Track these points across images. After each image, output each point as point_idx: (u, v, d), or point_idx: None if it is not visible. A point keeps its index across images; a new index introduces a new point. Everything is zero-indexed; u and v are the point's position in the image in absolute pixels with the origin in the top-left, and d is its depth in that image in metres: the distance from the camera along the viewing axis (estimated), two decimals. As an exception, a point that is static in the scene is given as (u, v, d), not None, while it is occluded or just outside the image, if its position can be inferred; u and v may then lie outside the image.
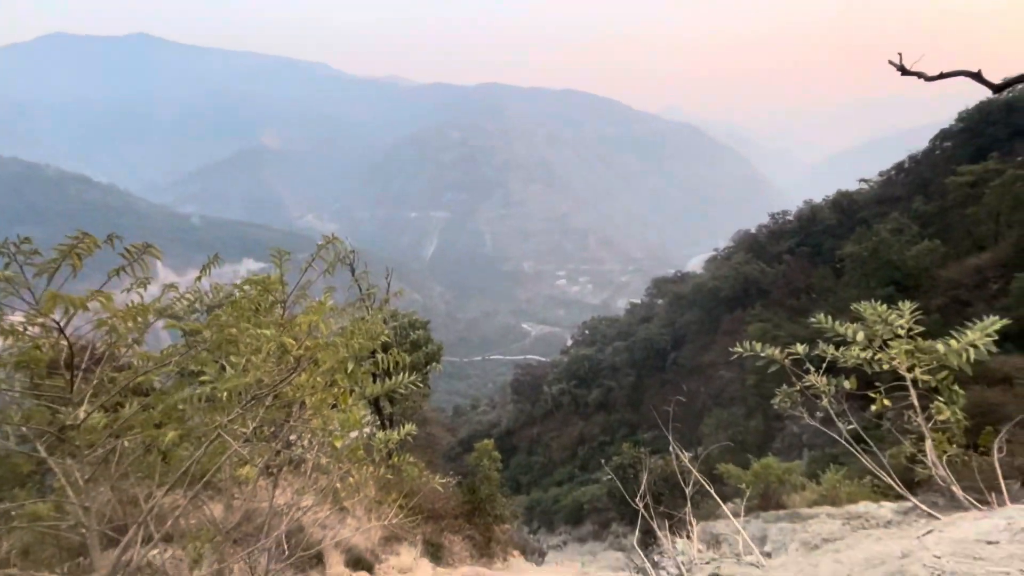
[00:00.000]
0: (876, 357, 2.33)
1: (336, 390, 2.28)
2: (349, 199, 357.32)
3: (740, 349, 2.63)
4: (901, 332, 2.33)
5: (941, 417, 2.19)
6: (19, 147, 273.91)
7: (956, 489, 2.33)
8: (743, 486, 8.76)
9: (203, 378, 2.28)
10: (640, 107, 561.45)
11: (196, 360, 2.17)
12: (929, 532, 1.45)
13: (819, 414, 2.56)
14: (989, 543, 1.34)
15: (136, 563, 2.11)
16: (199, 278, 2.56)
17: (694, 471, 2.42)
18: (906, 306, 2.42)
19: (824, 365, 2.56)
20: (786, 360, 2.53)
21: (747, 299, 54.39)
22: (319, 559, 6.80)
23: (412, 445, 20.29)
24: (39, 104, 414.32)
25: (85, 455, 1.78)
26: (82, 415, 1.74)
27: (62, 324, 1.68)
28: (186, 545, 2.61)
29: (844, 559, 1.44)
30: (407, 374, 2.69)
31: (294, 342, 2.10)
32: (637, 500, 3.33)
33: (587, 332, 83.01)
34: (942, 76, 7.15)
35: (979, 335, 2.20)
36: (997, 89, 7.14)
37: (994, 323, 2.22)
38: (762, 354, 2.52)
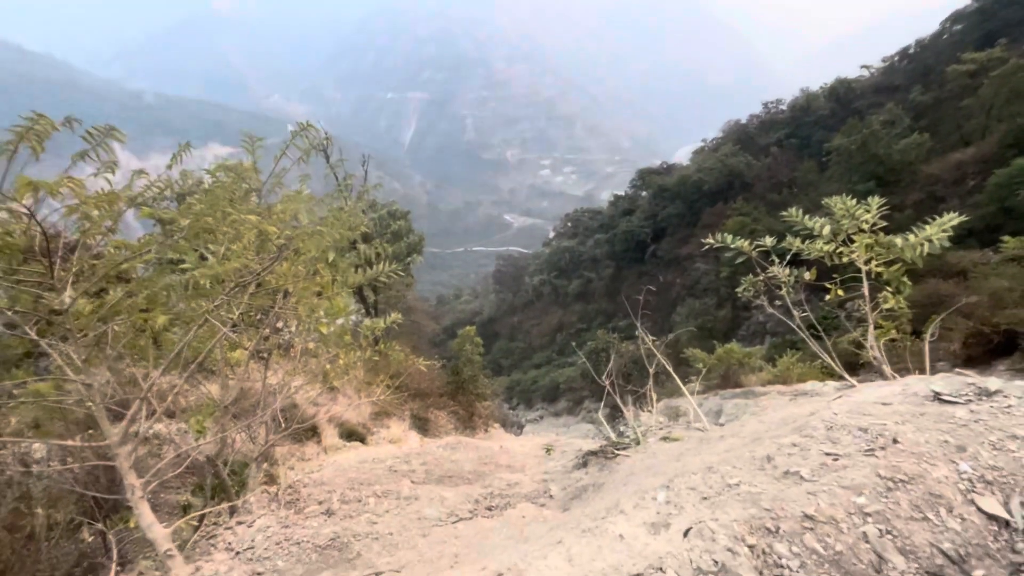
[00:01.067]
0: (837, 250, 2.44)
1: (319, 279, 2.33)
2: (318, 77, 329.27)
3: (711, 241, 2.72)
4: (865, 227, 2.43)
5: (887, 306, 2.37)
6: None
7: (886, 368, 2.60)
8: (700, 366, 9.54)
9: (184, 266, 2.30)
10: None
11: (175, 248, 2.16)
12: (839, 397, 1.75)
13: (778, 303, 2.74)
14: (883, 404, 1.64)
15: (143, 434, 2.31)
16: (170, 165, 2.45)
17: (656, 353, 2.63)
18: (874, 201, 2.49)
19: (788, 257, 2.68)
20: (754, 252, 2.64)
21: (730, 192, 54.28)
22: (314, 432, 7.42)
23: (397, 332, 21.18)
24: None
25: (78, 338, 1.84)
26: (68, 300, 1.77)
27: (31, 210, 1.63)
28: (188, 419, 2.82)
29: (765, 419, 1.74)
30: (388, 263, 2.74)
31: (275, 230, 2.09)
32: (606, 379, 3.64)
33: (570, 224, 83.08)
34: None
35: (935, 231, 2.31)
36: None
37: (951, 219, 2.32)
38: (732, 246, 2.61)
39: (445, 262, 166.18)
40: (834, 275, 2.53)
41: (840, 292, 2.52)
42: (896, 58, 57.20)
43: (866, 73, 59.11)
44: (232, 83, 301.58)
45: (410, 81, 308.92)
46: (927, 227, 2.34)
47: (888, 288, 2.38)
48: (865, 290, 2.41)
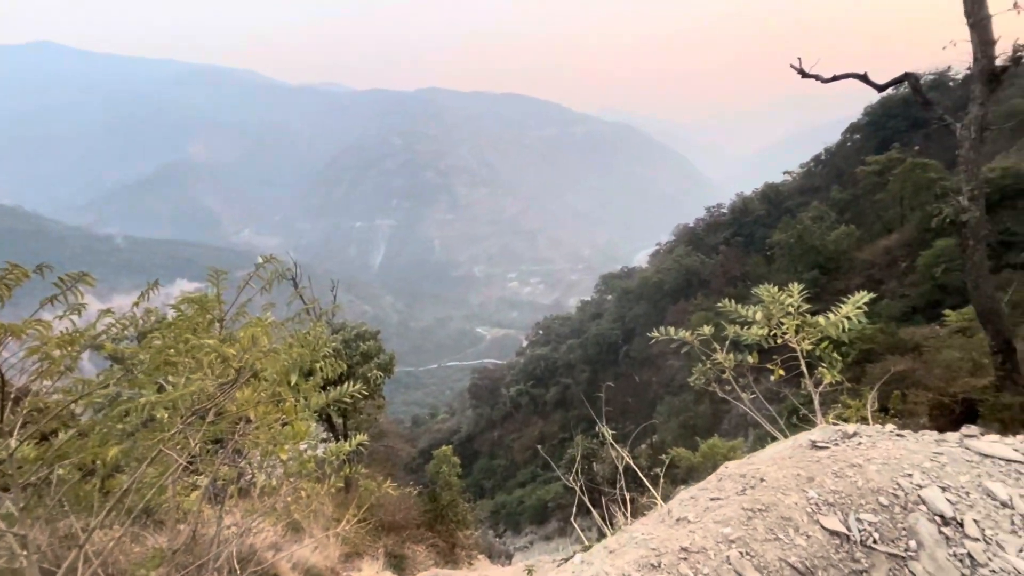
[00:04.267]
0: (772, 333, 2.65)
1: (283, 404, 2.32)
2: (289, 211, 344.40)
3: (656, 335, 2.90)
4: (791, 310, 2.66)
5: (827, 380, 2.52)
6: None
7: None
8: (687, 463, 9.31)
9: (142, 399, 2.27)
10: (579, 108, 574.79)
11: (133, 383, 2.15)
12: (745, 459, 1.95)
13: (751, 395, 2.86)
14: (771, 456, 1.93)
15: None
16: (136, 304, 2.52)
17: (626, 456, 2.67)
18: (794, 287, 2.76)
19: (727, 344, 2.87)
20: (696, 341, 2.82)
21: (690, 290, 56.90)
22: (276, 581, 6.64)
23: (370, 459, 19.92)
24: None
25: (19, 483, 1.74)
26: (13, 444, 1.71)
27: (-11, 355, 1.66)
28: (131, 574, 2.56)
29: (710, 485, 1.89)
30: (352, 383, 2.76)
31: (234, 352, 2.12)
32: (581, 488, 3.54)
33: (541, 332, 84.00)
34: (835, 78, 7.95)
35: (851, 308, 2.56)
36: (881, 88, 8.01)
37: (863, 297, 2.59)
38: (675, 338, 2.79)
39: (419, 380, 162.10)
40: (774, 356, 2.70)
41: (781, 372, 2.68)
42: (812, 164, 64.83)
43: (789, 178, 66.38)
44: (203, 221, 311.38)
45: (378, 210, 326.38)
46: (843, 306, 2.60)
47: (823, 364, 2.56)
48: (803, 367, 2.58)
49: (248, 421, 2.54)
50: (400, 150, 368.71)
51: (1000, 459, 1.80)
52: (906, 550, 1.49)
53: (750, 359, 2.81)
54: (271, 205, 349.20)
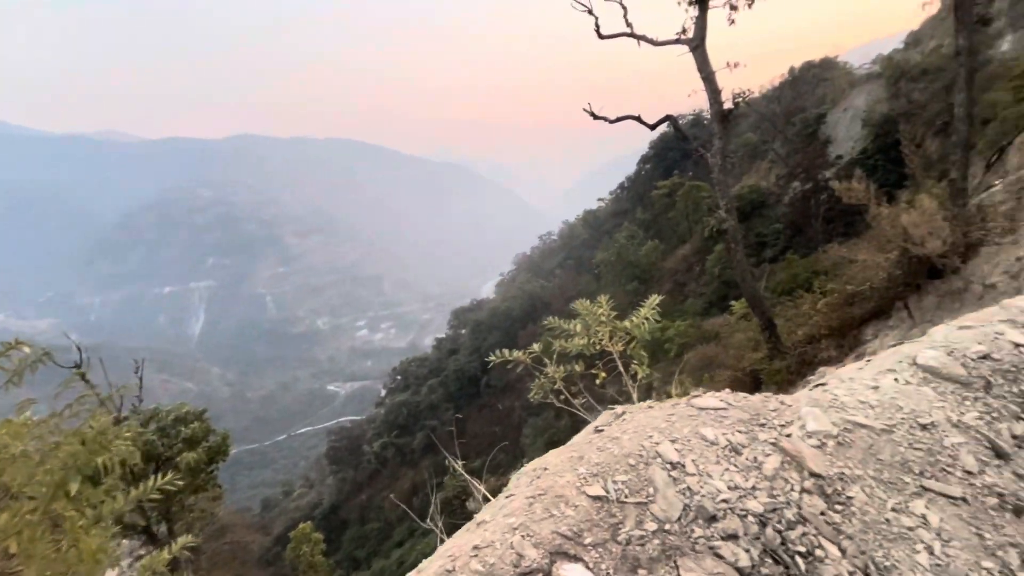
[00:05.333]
0: (591, 342, 3.00)
1: (67, 524, 1.83)
2: (64, 286, 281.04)
3: (493, 357, 3.07)
4: (604, 319, 3.06)
5: (641, 375, 2.94)
6: None
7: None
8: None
9: None
10: (409, 151, 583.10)
11: None
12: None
13: (583, 400, 3.15)
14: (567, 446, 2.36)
15: None
16: None
17: (474, 485, 2.73)
18: (603, 299, 3.18)
19: (554, 357, 3.17)
20: (528, 360, 3.06)
21: (535, 313, 60.52)
22: None
23: (212, 563, 16.75)
24: None
25: None
26: None
27: None
28: None
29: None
30: (161, 476, 2.33)
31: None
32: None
33: (399, 378, 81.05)
34: (619, 119, 9.47)
35: (646, 311, 3.06)
36: (652, 127, 9.76)
37: (654, 300, 3.11)
38: (509, 358, 2.99)
39: (266, 457, 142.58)
40: (596, 362, 3.06)
41: (603, 374, 3.03)
42: (618, 191, 75.04)
43: (603, 204, 75.88)
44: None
45: (192, 271, 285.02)
46: (640, 310, 3.08)
47: (634, 362, 2.98)
48: (620, 367, 2.95)
49: (10, 556, 1.97)
50: (211, 203, 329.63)
51: (711, 409, 2.33)
52: (647, 496, 1.83)
53: (577, 368, 3.11)
54: (36, 281, 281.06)
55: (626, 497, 1.80)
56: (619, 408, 2.41)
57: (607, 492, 1.81)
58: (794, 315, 9.58)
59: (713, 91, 7.55)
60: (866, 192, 6.92)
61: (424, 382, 69.85)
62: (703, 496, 1.82)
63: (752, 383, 8.59)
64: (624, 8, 8.09)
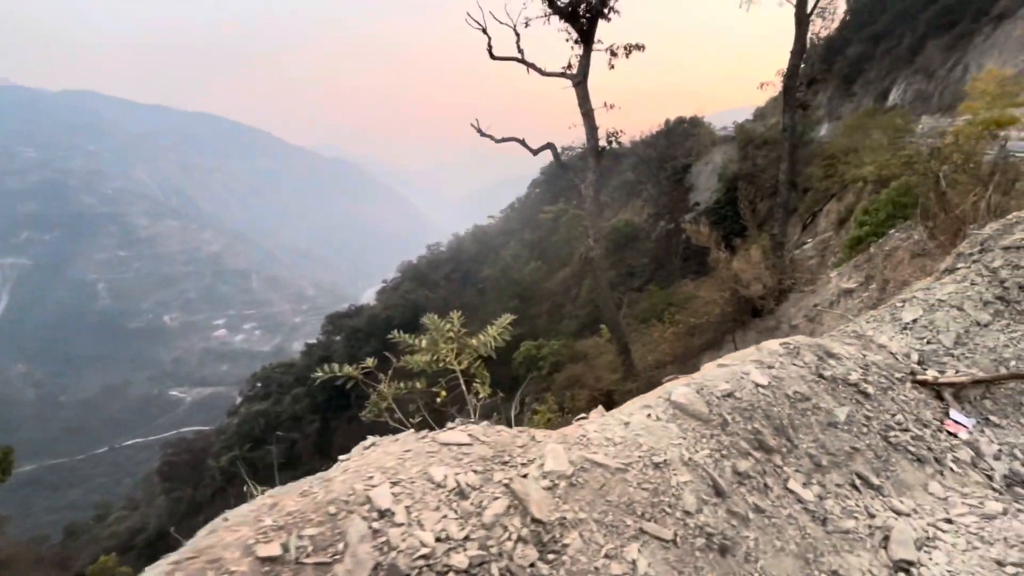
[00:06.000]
0: (434, 358, 2.93)
1: None
2: None
3: (320, 373, 2.85)
4: (452, 335, 3.01)
5: (482, 394, 2.92)
6: None
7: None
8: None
9: None
10: (294, 141, 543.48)
11: None
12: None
13: (418, 419, 3.01)
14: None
15: None
16: None
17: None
18: (455, 315, 3.13)
19: (391, 372, 3.04)
20: (359, 374, 2.88)
21: (416, 323, 59.22)
22: None
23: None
24: None
25: None
26: None
27: None
28: None
29: None
30: None
31: None
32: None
33: (259, 385, 73.91)
34: (504, 140, 9.72)
35: (496, 331, 3.07)
36: (534, 152, 10.18)
37: (506, 319, 3.15)
38: (339, 373, 2.79)
39: (76, 474, 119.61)
40: (439, 379, 2.98)
41: (444, 392, 2.97)
42: (509, 209, 77.32)
43: (492, 221, 77.58)
44: None
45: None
46: (490, 328, 3.08)
47: (477, 380, 2.96)
48: (463, 385, 2.90)
49: None
50: (35, 166, 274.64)
51: (454, 445, 2.16)
52: (334, 555, 1.59)
53: (418, 385, 3.01)
54: None
55: (308, 556, 1.55)
56: (371, 439, 2.18)
57: (286, 551, 1.55)
58: (648, 341, 10.52)
59: (590, 127, 8.12)
60: (709, 237, 7.89)
61: (289, 391, 64.41)
62: (401, 552, 1.62)
63: (607, 403, 9.22)
64: (517, 34, 8.40)
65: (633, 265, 37.50)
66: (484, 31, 8.20)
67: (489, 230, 75.69)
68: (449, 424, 2.29)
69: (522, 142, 8.72)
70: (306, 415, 59.52)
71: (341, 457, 2.03)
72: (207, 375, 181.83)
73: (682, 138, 49.30)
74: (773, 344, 3.60)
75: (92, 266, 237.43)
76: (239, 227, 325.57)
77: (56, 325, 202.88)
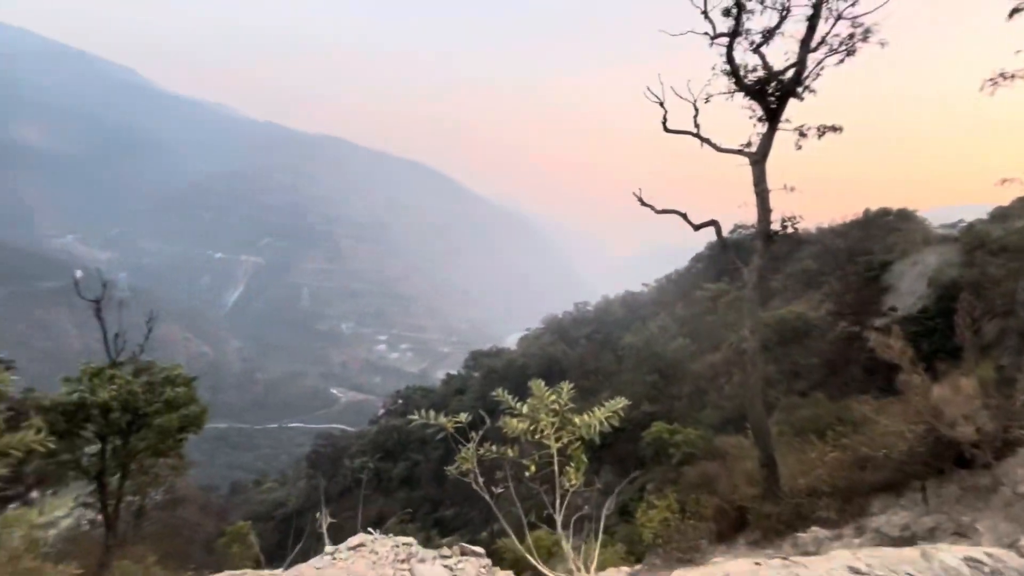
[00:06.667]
0: (531, 428, 2.77)
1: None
2: (132, 226, 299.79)
3: (415, 417, 2.87)
4: (556, 408, 2.83)
5: (572, 481, 2.66)
6: None
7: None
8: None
9: None
10: (476, 189, 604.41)
11: None
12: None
13: (502, 488, 2.87)
14: None
15: None
16: None
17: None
18: (565, 386, 2.96)
19: (480, 433, 2.94)
20: (451, 429, 2.84)
21: (550, 376, 58.90)
22: None
23: (152, 531, 16.36)
24: None
25: None
26: None
27: None
28: None
29: None
30: (135, 431, 2.23)
31: None
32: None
33: (400, 402, 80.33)
34: (664, 212, 9.43)
35: (604, 413, 2.80)
36: (696, 228, 9.64)
37: (618, 404, 2.86)
38: (431, 422, 2.78)
39: (251, 440, 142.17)
40: (533, 452, 2.80)
41: (533, 468, 2.77)
42: (663, 281, 74.45)
43: (645, 289, 75.37)
44: (12, 217, 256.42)
45: (246, 245, 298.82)
46: (597, 410, 2.83)
47: (571, 464, 2.71)
48: (555, 465, 2.69)
49: None
50: (286, 188, 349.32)
51: None
52: None
53: (510, 452, 2.87)
54: (109, 215, 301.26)
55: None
56: (338, 547, 2.10)
57: None
58: (803, 460, 8.86)
59: (764, 208, 7.43)
60: (901, 352, 6.47)
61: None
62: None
63: (738, 519, 7.86)
64: (696, 110, 8.26)
65: (799, 365, 32.76)
66: (661, 104, 8.27)
67: (640, 297, 73.62)
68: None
69: (684, 216, 8.37)
70: (432, 441, 62.57)
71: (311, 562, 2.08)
72: (362, 382, 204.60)
73: (882, 232, 42.79)
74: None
75: (303, 273, 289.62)
76: (415, 258, 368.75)
77: (267, 315, 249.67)
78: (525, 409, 2.86)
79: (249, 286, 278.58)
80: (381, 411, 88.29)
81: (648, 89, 8.20)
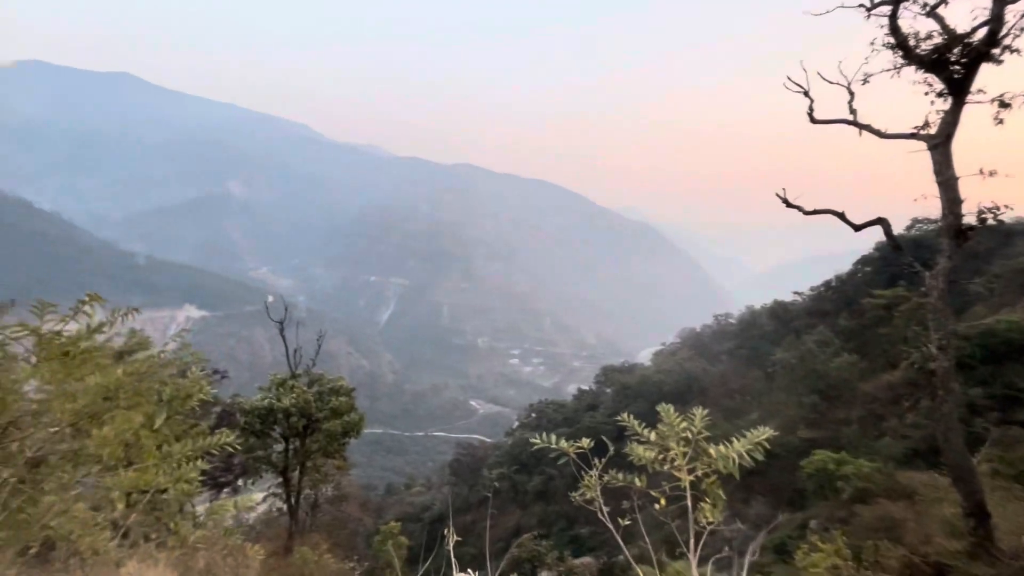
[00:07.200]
0: (659, 457, 2.55)
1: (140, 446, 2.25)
2: (308, 256, 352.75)
3: (537, 441, 2.81)
4: (688, 435, 2.58)
5: (708, 519, 2.37)
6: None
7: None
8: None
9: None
10: (602, 203, 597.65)
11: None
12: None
13: (629, 518, 2.69)
14: None
15: None
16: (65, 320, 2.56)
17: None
18: (699, 412, 2.70)
19: (605, 460, 2.77)
20: (573, 452, 2.73)
21: (688, 395, 55.55)
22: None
23: (325, 522, 18.69)
24: (2, 127, 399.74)
25: None
26: None
27: None
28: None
29: None
30: (308, 433, 2.68)
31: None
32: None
33: (534, 415, 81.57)
34: (815, 212, 8.28)
35: (745, 445, 2.45)
36: (857, 228, 8.29)
37: (764, 434, 2.49)
38: (552, 446, 2.70)
39: (403, 446, 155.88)
40: (663, 483, 2.58)
41: (663, 502, 2.54)
42: (822, 288, 65.42)
43: (798, 298, 66.89)
44: (225, 253, 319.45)
45: (394, 268, 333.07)
46: (737, 441, 2.50)
47: (707, 500, 2.43)
48: (688, 501, 2.45)
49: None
50: (425, 216, 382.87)
51: None
52: None
53: (637, 482, 2.69)
54: (292, 248, 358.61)
55: None
56: None
57: None
58: (1027, 510, 6.93)
59: (950, 200, 6.03)
60: None
61: (556, 428, 69.04)
62: None
63: (935, 578, 6.38)
64: (851, 93, 7.06)
65: (1016, 388, 26.27)
66: (806, 93, 7.26)
67: (792, 308, 65.47)
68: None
69: (840, 216, 7.20)
70: (564, 456, 62.29)
71: None
72: (498, 395, 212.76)
73: None
74: None
75: (442, 292, 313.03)
76: (544, 275, 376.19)
77: (413, 331, 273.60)
78: (653, 436, 2.67)
79: (398, 305, 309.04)
80: (516, 424, 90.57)
81: (789, 79, 7.32)
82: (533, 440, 2.76)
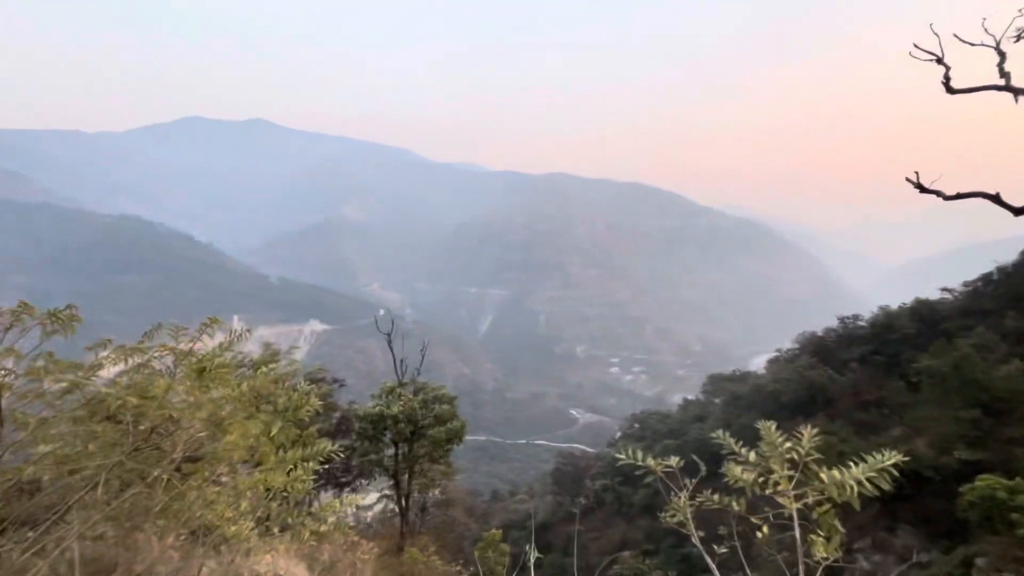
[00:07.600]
0: (761, 481, 2.29)
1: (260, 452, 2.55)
2: (414, 271, 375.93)
3: (622, 456, 2.65)
4: (795, 457, 2.29)
5: (821, 553, 2.07)
6: (144, 208, 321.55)
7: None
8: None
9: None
10: (704, 202, 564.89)
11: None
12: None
13: (727, 546, 2.44)
14: None
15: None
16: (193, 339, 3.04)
17: None
18: (807, 431, 2.40)
19: (697, 480, 2.55)
20: (660, 472, 2.54)
21: (811, 407, 50.12)
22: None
23: (434, 525, 19.58)
24: (169, 174, 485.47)
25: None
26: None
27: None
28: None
29: None
30: (414, 439, 2.91)
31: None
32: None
33: (637, 426, 78.79)
34: (959, 196, 7.05)
35: (865, 471, 2.09)
36: (1018, 212, 6.91)
37: (890, 459, 2.11)
38: (640, 463, 2.54)
39: (506, 453, 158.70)
40: (765, 508, 2.31)
41: (764, 530, 2.27)
42: (980, 283, 55.70)
43: (948, 296, 57.49)
44: (342, 272, 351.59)
45: (493, 279, 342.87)
46: (855, 466, 2.14)
47: (819, 532, 2.11)
48: (796, 531, 2.17)
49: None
50: (521, 227, 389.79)
51: None
52: None
53: (735, 505, 2.44)
54: (399, 264, 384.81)
55: None
56: None
57: None
58: None
59: None
60: None
61: (660, 440, 65.95)
62: None
63: None
64: (1001, 54, 5.86)
65: None
66: (939, 60, 6.18)
67: (940, 307, 56.21)
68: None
69: (994, 198, 6.03)
70: (674, 470, 59.31)
71: None
72: (598, 404, 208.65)
73: None
74: None
75: (540, 301, 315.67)
76: (642, 280, 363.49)
77: (513, 340, 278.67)
78: (752, 456, 2.44)
79: (497, 315, 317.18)
80: (618, 434, 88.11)
81: (915, 46, 6.34)
82: (619, 456, 2.66)
